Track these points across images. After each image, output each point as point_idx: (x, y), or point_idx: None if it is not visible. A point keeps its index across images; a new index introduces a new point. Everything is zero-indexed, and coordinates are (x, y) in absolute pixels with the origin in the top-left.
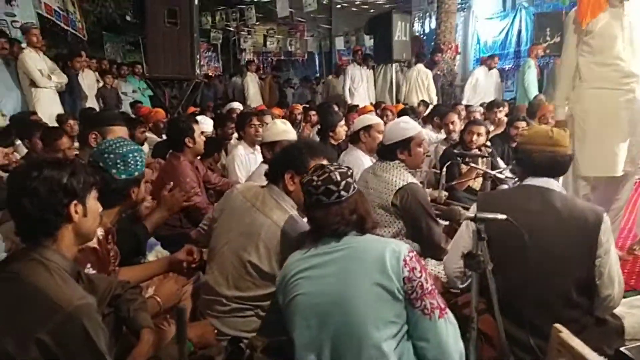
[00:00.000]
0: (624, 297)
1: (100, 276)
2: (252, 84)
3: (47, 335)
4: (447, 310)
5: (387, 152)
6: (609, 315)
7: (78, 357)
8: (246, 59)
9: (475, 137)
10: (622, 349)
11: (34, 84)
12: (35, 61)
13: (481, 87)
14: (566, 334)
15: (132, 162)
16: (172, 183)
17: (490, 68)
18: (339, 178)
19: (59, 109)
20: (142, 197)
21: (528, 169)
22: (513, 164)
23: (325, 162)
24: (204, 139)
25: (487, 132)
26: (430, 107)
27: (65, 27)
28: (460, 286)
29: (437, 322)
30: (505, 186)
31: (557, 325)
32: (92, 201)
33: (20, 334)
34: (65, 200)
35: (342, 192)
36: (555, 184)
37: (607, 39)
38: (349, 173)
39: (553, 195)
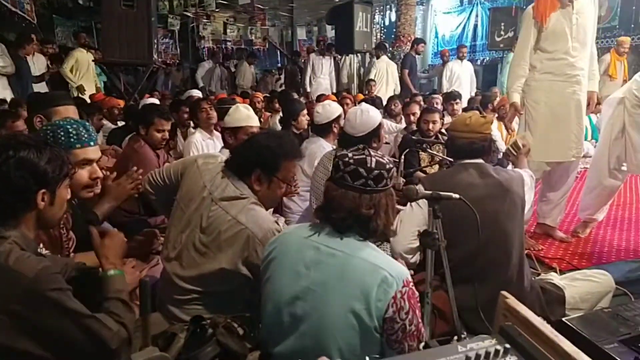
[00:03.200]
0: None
1: (55, 257)
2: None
3: (18, 305)
4: None
5: (360, 143)
6: (551, 286)
7: (51, 322)
8: (204, 47)
9: (431, 125)
10: (563, 319)
11: None
12: None
13: (455, 78)
14: (512, 300)
15: (74, 134)
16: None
17: (461, 59)
18: (373, 165)
19: (6, 94)
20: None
21: (456, 153)
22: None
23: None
24: (166, 136)
25: (442, 119)
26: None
27: (13, 9)
28: (411, 261)
29: None
30: None
31: (504, 292)
32: (63, 189)
33: None
34: (35, 187)
35: (370, 182)
36: (483, 162)
37: (558, 36)
38: (387, 167)
39: (486, 166)
